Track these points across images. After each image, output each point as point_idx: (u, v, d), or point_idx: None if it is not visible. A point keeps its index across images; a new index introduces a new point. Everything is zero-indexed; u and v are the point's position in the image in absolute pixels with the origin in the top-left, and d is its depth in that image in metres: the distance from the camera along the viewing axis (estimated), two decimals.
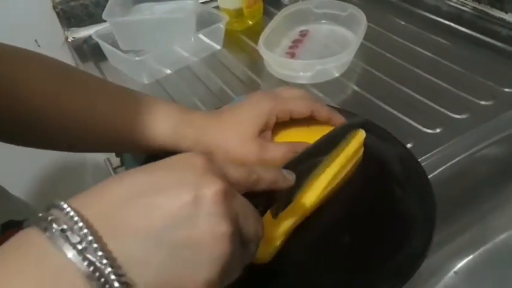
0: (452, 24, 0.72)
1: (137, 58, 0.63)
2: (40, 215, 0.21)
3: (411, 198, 0.39)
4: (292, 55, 0.66)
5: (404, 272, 0.32)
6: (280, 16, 0.69)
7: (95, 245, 0.20)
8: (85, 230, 0.20)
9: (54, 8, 0.74)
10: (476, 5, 0.72)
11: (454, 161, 0.47)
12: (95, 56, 0.70)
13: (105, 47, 0.66)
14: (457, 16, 0.73)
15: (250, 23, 0.76)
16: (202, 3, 0.77)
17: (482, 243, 0.53)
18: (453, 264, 0.51)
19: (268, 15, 0.78)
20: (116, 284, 0.20)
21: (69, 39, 0.76)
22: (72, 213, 0.20)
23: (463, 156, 0.48)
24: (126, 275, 0.20)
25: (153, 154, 0.42)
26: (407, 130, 0.51)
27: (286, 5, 0.73)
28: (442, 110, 0.54)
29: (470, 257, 0.52)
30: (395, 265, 0.33)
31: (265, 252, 0.34)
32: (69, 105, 0.39)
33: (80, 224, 0.20)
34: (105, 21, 0.66)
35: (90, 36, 0.72)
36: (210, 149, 0.39)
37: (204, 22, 0.69)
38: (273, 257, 0.34)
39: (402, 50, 0.66)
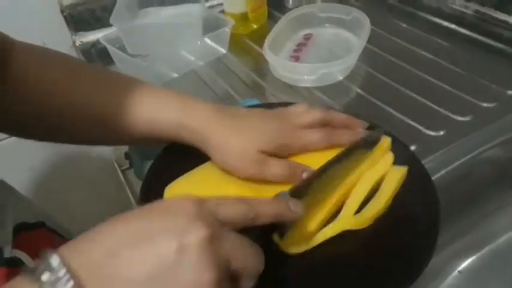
0: (454, 26, 0.72)
1: (144, 62, 0.64)
2: (33, 265, 0.22)
3: (415, 200, 0.39)
4: (297, 59, 0.67)
5: (410, 273, 0.33)
6: (284, 20, 0.69)
7: None
8: (71, 283, 0.21)
9: (62, 12, 0.75)
10: (479, 7, 0.72)
11: (457, 163, 0.48)
12: (103, 60, 0.71)
13: (113, 51, 0.66)
14: (460, 18, 0.73)
15: (255, 27, 0.76)
16: (208, 7, 0.78)
17: (486, 243, 0.53)
18: (457, 264, 0.52)
19: (272, 19, 0.78)
20: None
21: (76, 43, 0.77)
22: (60, 264, 0.21)
23: (466, 158, 0.48)
24: None
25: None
26: (411, 132, 0.51)
27: (290, 9, 0.73)
28: (445, 112, 0.54)
29: (475, 256, 0.52)
30: (401, 266, 0.34)
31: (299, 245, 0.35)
32: (75, 94, 0.39)
33: (67, 277, 0.21)
34: (112, 25, 0.66)
35: (97, 40, 0.73)
36: (208, 149, 0.39)
37: (210, 26, 0.69)
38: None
39: (405, 53, 0.67)
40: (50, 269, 0.21)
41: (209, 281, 0.22)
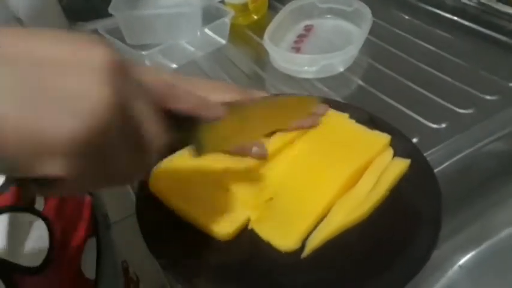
0: (456, 18, 0.71)
1: (143, 53, 0.63)
2: None
3: (417, 193, 0.39)
4: (298, 50, 0.66)
5: (412, 267, 0.33)
6: (285, 11, 0.69)
7: None
8: None
9: (60, 1, 0.74)
10: None
11: (459, 156, 0.47)
12: None
13: (112, 42, 0.66)
14: (462, 10, 0.72)
15: (255, 17, 0.76)
16: None
17: (487, 238, 0.53)
18: (458, 258, 0.51)
19: (273, 10, 0.77)
20: None
21: None
22: None
23: (468, 151, 0.48)
24: None
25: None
26: (413, 125, 0.51)
27: (291, 0, 0.72)
28: (447, 104, 0.54)
29: (475, 251, 0.52)
30: (403, 260, 0.34)
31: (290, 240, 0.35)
32: None
33: None
34: (111, 15, 0.66)
35: (96, 31, 0.72)
36: None
37: (209, 17, 0.69)
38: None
39: (407, 45, 0.66)
40: None
41: (110, 97, 0.19)
